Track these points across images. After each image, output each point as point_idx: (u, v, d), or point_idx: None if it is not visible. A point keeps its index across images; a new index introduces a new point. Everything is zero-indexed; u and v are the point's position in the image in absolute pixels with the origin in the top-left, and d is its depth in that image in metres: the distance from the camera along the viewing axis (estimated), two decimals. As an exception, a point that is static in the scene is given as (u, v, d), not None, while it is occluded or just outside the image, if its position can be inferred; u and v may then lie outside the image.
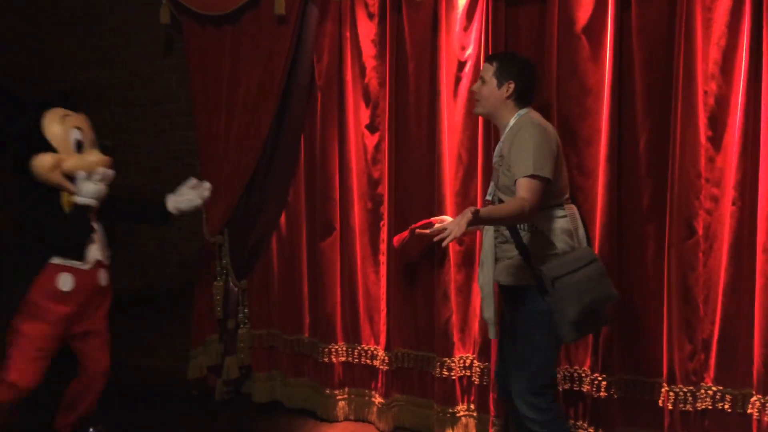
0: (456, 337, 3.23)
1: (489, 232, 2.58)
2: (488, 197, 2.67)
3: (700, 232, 2.76)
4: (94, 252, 2.93)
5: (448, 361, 3.22)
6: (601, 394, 2.91)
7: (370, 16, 3.29)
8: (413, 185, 3.29)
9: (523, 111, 2.54)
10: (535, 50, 2.98)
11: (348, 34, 3.34)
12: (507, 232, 2.52)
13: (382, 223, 3.32)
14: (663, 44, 2.80)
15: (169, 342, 4.23)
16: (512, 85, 2.53)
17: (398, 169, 3.29)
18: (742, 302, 2.73)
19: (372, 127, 3.34)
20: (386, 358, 3.34)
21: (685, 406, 2.78)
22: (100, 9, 4.21)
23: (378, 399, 3.40)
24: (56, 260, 2.84)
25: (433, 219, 2.96)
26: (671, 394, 2.79)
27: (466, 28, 3.10)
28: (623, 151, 2.89)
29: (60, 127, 2.84)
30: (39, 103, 2.91)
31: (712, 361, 2.78)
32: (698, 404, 2.79)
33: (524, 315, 2.52)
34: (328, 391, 3.50)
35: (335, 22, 3.36)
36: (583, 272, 2.40)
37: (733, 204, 2.71)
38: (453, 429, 3.26)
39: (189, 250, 4.07)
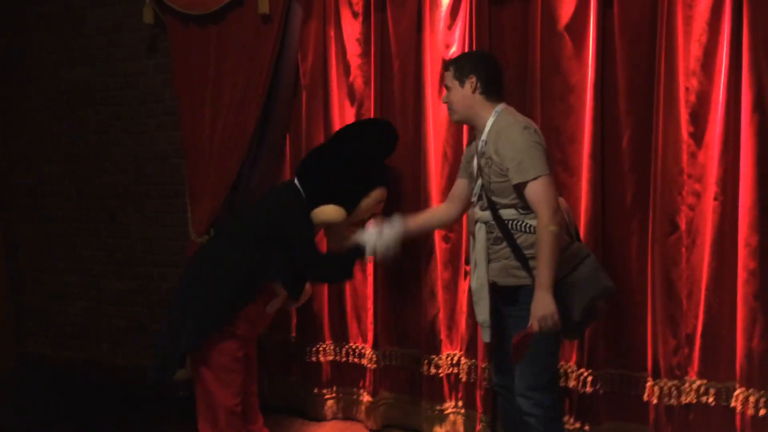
0: (443, 335, 3.23)
1: (481, 232, 2.52)
2: (474, 198, 2.60)
3: (683, 227, 2.78)
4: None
5: (436, 358, 3.23)
6: (587, 389, 2.93)
7: (355, 14, 3.29)
8: (399, 183, 3.29)
9: (499, 108, 2.50)
10: (518, 48, 3.00)
11: (332, 33, 3.34)
12: (500, 233, 2.47)
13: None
14: (645, 41, 2.81)
15: (157, 343, 4.21)
16: (474, 79, 2.49)
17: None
18: (724, 296, 2.75)
19: (357, 126, 3.33)
20: (374, 356, 3.34)
21: (669, 401, 2.80)
22: (84, 8, 4.19)
23: (366, 397, 3.40)
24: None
25: None
26: (656, 388, 2.81)
27: (450, 27, 3.11)
28: (606, 148, 2.90)
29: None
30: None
31: (696, 354, 2.80)
32: (683, 398, 2.81)
33: (524, 313, 2.44)
34: (316, 390, 3.51)
35: (320, 20, 3.36)
36: (581, 270, 2.42)
37: (715, 199, 2.72)
38: (441, 426, 3.27)
39: (176, 251, 4.05)
